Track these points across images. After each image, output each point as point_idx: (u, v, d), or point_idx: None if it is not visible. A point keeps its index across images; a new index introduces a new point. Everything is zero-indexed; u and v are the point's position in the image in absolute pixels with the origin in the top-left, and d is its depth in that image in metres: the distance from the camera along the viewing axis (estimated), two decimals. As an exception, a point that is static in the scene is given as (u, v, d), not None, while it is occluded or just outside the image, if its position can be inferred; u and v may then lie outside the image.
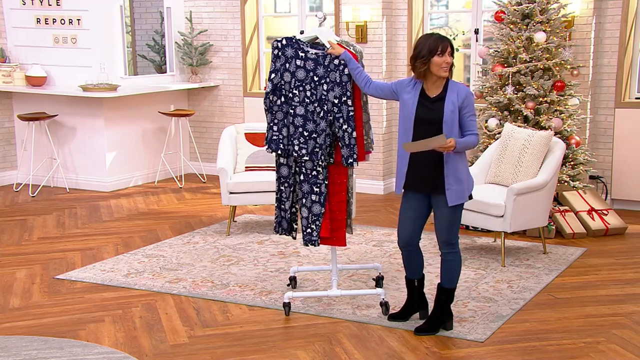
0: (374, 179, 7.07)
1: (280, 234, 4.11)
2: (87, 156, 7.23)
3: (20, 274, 4.76)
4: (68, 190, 7.19)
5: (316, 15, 3.98)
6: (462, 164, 3.65)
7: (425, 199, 3.73)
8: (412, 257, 3.86)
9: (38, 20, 7.30)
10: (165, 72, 8.00)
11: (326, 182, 3.92)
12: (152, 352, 3.59)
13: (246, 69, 7.76)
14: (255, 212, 6.39)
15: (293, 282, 4.43)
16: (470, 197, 3.75)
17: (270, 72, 3.96)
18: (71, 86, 7.12)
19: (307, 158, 3.90)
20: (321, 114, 3.85)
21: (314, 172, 3.92)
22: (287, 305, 4.04)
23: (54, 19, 7.22)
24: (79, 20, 7.12)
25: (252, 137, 5.89)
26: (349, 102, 3.84)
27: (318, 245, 4.00)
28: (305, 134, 3.88)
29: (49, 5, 7.20)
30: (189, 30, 7.83)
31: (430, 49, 3.54)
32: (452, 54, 3.58)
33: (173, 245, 5.36)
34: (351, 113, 3.85)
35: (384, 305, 4.00)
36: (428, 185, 3.66)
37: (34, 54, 7.32)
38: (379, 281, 4.43)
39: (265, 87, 7.76)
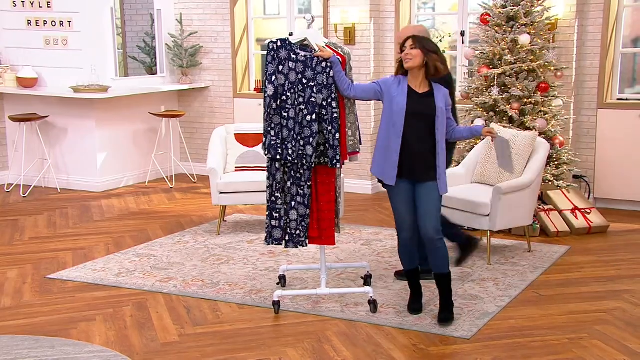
0: (362, 178, 7.13)
1: (271, 244, 4.07)
2: (78, 157, 7.26)
3: (12, 274, 4.79)
4: (59, 191, 7.22)
5: (304, 18, 4.02)
6: (445, 159, 3.90)
7: (412, 188, 3.86)
8: (414, 246, 3.97)
9: (29, 22, 7.32)
10: (156, 73, 8.03)
11: (309, 184, 3.96)
12: (142, 350, 3.63)
13: (236, 70, 7.81)
14: (245, 212, 6.44)
15: (282, 280, 4.48)
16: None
17: (270, 75, 3.94)
18: (62, 87, 7.14)
19: (296, 161, 3.93)
20: (308, 117, 3.90)
21: (298, 174, 3.97)
22: (276, 304, 4.08)
23: (44, 21, 7.24)
24: (69, 22, 7.14)
25: (241, 138, 5.93)
26: (334, 104, 3.90)
27: (306, 245, 4.06)
28: (297, 137, 3.92)
29: (40, 7, 7.22)
30: (179, 32, 7.87)
31: (399, 45, 3.88)
32: (416, 47, 3.77)
33: (164, 245, 5.40)
34: (335, 115, 3.90)
35: (372, 303, 4.06)
36: (422, 171, 3.80)
37: (25, 56, 7.33)
38: (367, 280, 4.49)
39: (255, 89, 7.84)
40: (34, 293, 4.44)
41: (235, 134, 5.95)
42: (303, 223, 4.00)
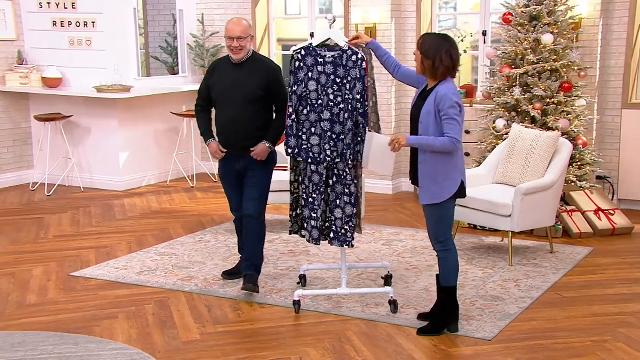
0: (382, 178, 7.13)
1: (311, 244, 4.13)
2: (101, 156, 7.34)
3: (37, 271, 4.86)
4: (83, 190, 7.30)
5: (326, 18, 4.05)
6: (443, 166, 3.60)
7: None
8: None
9: (54, 23, 7.42)
10: (178, 73, 8.09)
11: (355, 182, 3.99)
12: (164, 348, 3.66)
13: (257, 70, 7.83)
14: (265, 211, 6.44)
15: (303, 280, 4.49)
16: (464, 196, 3.70)
17: (294, 84, 4.01)
18: (86, 87, 7.23)
19: (338, 160, 3.95)
20: (347, 115, 3.93)
21: (342, 173, 3.98)
22: (297, 303, 4.10)
23: (69, 22, 7.34)
24: (93, 23, 7.23)
25: (263, 138, 5.94)
26: (365, 97, 3.95)
27: (353, 246, 4.06)
28: (334, 136, 3.95)
29: (65, 8, 7.32)
30: (201, 32, 7.92)
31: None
32: (418, 49, 3.62)
33: (185, 244, 5.45)
34: (367, 108, 3.95)
35: (393, 303, 4.06)
36: (417, 176, 3.72)
37: (50, 56, 7.43)
38: (387, 280, 4.49)
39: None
40: (59, 290, 4.50)
41: (256, 134, 5.95)
42: (350, 223, 4.01)
